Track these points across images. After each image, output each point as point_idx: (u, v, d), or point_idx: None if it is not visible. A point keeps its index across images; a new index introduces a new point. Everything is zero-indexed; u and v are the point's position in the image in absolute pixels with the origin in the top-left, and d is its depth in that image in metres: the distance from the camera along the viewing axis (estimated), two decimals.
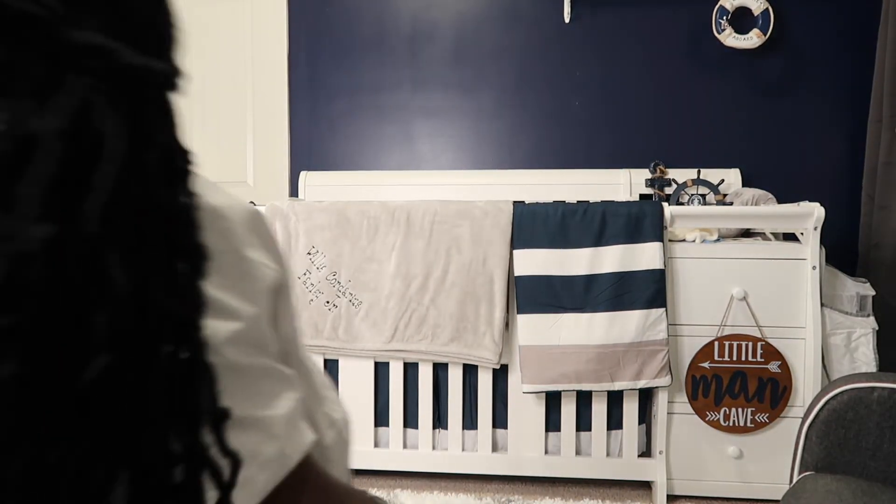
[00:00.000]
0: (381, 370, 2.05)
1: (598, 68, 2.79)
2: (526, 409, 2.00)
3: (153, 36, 0.29)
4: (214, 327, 0.33)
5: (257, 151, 2.99)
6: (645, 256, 1.91)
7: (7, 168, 0.21)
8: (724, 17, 2.57)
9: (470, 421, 2.04)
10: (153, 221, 0.26)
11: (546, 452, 2.01)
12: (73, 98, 0.23)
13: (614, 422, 2.01)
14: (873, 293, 2.00)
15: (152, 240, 0.26)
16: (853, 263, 2.62)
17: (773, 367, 1.92)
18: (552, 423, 2.02)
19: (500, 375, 2.01)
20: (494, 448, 2.04)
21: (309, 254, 1.99)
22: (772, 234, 2.22)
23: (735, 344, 1.93)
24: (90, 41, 0.24)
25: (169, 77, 0.29)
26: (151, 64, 0.27)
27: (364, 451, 2.04)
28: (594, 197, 2.52)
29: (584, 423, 2.02)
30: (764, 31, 2.55)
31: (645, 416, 2.05)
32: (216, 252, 0.32)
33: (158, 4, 0.30)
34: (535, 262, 1.93)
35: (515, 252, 1.94)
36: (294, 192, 2.90)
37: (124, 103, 0.26)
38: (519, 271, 1.93)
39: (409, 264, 1.95)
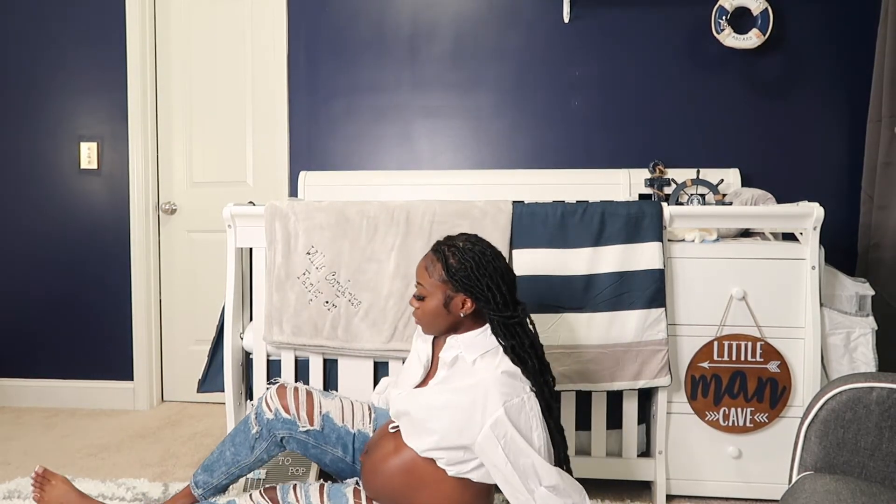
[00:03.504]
0: (380, 370, 2.04)
1: (598, 68, 2.80)
2: None
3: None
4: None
5: (257, 151, 2.99)
6: (644, 256, 1.91)
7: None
8: (724, 17, 2.57)
9: None
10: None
11: None
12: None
13: (614, 422, 2.02)
14: (872, 293, 2.00)
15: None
16: (852, 263, 2.62)
17: (773, 366, 1.92)
18: None
19: None
20: None
21: (308, 253, 1.99)
22: (771, 234, 2.22)
23: (734, 344, 1.93)
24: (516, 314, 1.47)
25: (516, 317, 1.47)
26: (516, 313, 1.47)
27: None
28: (593, 197, 2.52)
29: (583, 422, 2.02)
30: (763, 30, 2.55)
31: (645, 416, 2.05)
32: None
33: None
34: (535, 262, 1.93)
35: (515, 252, 1.94)
36: (293, 192, 2.90)
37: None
38: (518, 271, 1.93)
39: (409, 264, 1.95)
